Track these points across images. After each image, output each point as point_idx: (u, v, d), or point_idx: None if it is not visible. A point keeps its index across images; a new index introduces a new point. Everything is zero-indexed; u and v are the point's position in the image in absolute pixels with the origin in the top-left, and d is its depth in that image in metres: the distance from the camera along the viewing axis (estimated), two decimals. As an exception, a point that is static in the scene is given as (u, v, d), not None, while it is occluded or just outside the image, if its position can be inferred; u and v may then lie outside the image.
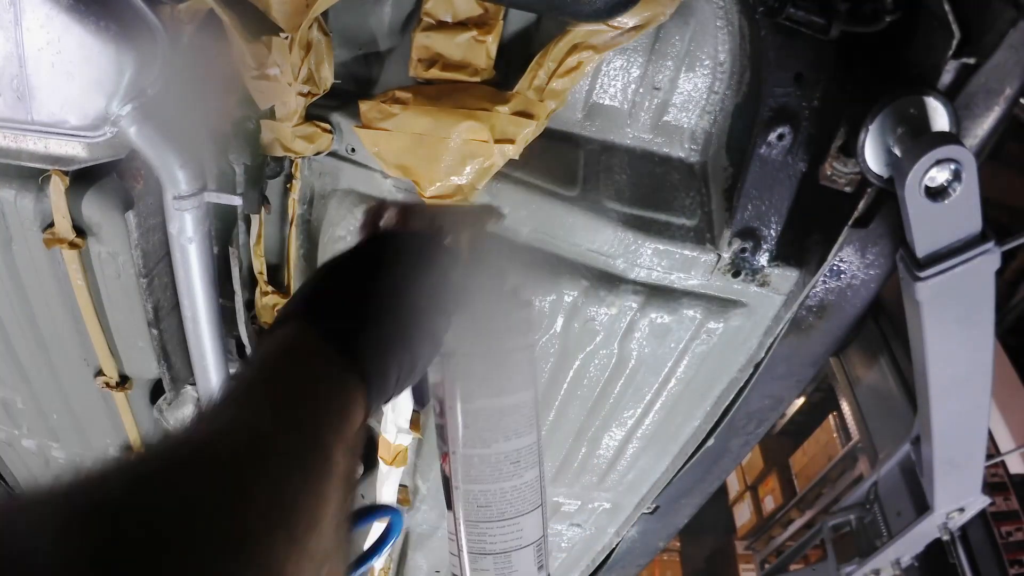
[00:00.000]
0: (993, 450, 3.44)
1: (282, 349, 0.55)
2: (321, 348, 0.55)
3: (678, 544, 6.61)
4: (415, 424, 1.50)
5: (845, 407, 4.89)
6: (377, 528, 0.93)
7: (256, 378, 0.53)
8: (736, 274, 1.19)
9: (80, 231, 1.29)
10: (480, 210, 0.90)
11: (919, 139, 0.88)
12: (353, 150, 1.20)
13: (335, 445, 0.50)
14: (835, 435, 5.54)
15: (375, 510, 0.83)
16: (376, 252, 0.67)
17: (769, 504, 6.41)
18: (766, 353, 1.34)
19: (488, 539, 0.87)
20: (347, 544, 0.52)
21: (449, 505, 0.89)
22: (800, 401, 6.18)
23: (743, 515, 6.73)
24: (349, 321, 0.57)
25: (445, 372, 0.83)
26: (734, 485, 6.92)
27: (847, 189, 1.05)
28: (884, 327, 3.58)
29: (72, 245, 1.29)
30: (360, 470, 1.79)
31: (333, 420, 0.52)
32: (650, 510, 1.84)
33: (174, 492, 0.41)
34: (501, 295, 0.85)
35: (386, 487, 1.60)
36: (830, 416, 5.66)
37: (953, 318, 1.08)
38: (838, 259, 1.19)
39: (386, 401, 0.61)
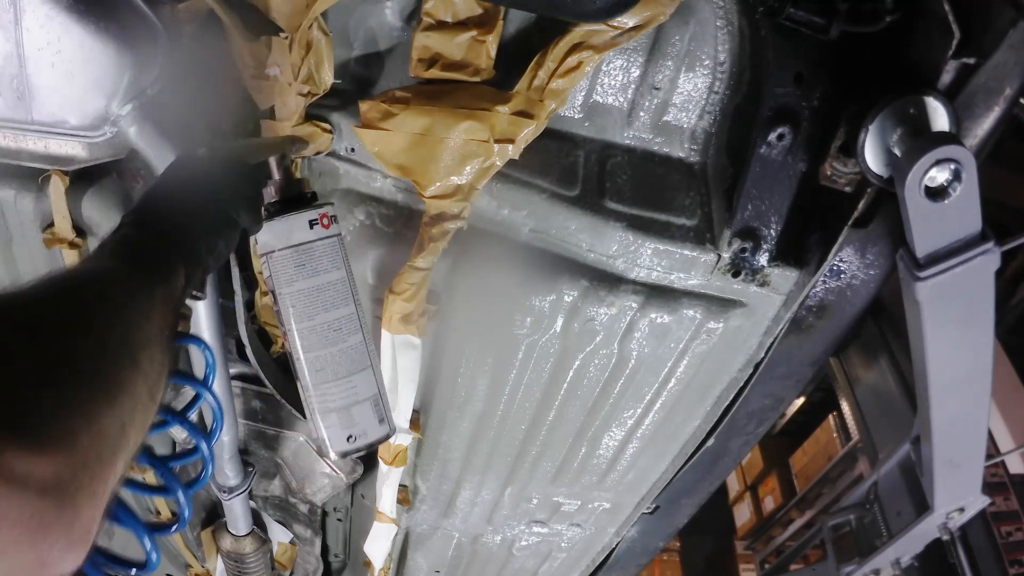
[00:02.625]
0: (993, 450, 3.44)
1: (122, 242, 0.75)
2: (151, 240, 0.76)
3: (678, 544, 6.61)
4: (415, 424, 1.50)
5: (845, 407, 4.89)
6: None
7: (113, 250, 0.74)
8: (736, 274, 1.19)
9: (80, 231, 1.29)
10: (278, 142, 1.11)
11: (919, 139, 0.88)
12: (353, 150, 1.20)
13: (157, 292, 0.71)
14: (835, 435, 5.54)
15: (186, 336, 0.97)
16: (186, 173, 0.87)
17: (769, 504, 6.40)
18: (766, 353, 1.34)
19: (329, 398, 1.04)
20: (170, 359, 0.71)
21: (296, 377, 1.07)
22: (800, 401, 6.18)
23: (743, 515, 6.72)
24: (167, 223, 0.80)
25: (270, 268, 1.01)
26: (734, 485, 6.91)
27: (847, 189, 1.05)
28: (884, 327, 3.57)
29: (72, 245, 1.28)
30: (360, 470, 1.79)
31: (159, 277, 0.73)
32: (650, 510, 1.84)
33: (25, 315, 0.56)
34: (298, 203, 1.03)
35: (386, 487, 1.60)
36: (830, 416, 5.66)
37: (953, 318, 1.08)
38: (838, 259, 1.19)
39: (203, 269, 0.83)
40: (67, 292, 0.62)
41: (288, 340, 1.04)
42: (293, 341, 1.03)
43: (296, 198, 1.03)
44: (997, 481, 3.68)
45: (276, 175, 1.03)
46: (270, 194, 1.03)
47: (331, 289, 1.01)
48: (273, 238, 1.00)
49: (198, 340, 0.89)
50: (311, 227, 0.99)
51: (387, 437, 1.08)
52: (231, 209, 0.87)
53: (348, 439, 1.05)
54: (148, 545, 0.82)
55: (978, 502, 1.95)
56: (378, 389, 1.07)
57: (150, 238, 0.76)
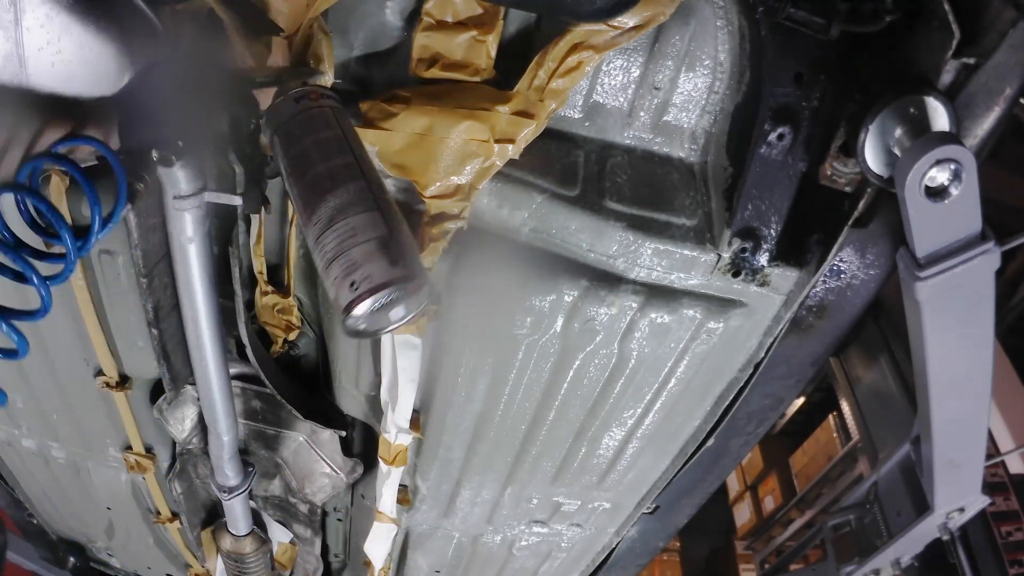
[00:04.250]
0: (993, 450, 3.44)
1: None
2: None
3: (678, 544, 6.61)
4: (415, 424, 1.50)
5: (845, 407, 4.89)
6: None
7: None
8: (736, 274, 1.19)
9: (80, 230, 1.29)
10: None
11: (919, 139, 0.88)
12: (353, 150, 1.20)
13: None
14: (835, 435, 5.54)
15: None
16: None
17: (769, 504, 6.40)
18: (766, 353, 1.34)
19: (327, 247, 0.93)
20: None
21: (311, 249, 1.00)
22: (800, 401, 6.18)
23: (743, 515, 6.73)
24: None
25: (271, 143, 1.01)
26: (734, 485, 6.91)
27: (847, 189, 1.05)
28: (884, 327, 3.58)
29: (72, 245, 1.28)
30: (360, 470, 1.79)
31: None
32: (650, 510, 1.84)
33: None
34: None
35: (386, 487, 1.60)
36: (830, 416, 5.66)
37: (953, 318, 1.08)
38: (838, 259, 1.19)
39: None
40: None
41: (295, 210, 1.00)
42: (295, 206, 0.99)
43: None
44: (997, 481, 3.69)
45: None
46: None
47: (324, 145, 0.98)
48: (271, 120, 1.02)
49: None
50: (297, 102, 1.00)
51: (404, 281, 0.90)
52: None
53: (352, 287, 0.90)
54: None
55: (978, 502, 1.95)
56: (388, 231, 0.93)
57: None
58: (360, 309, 0.89)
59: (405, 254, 0.92)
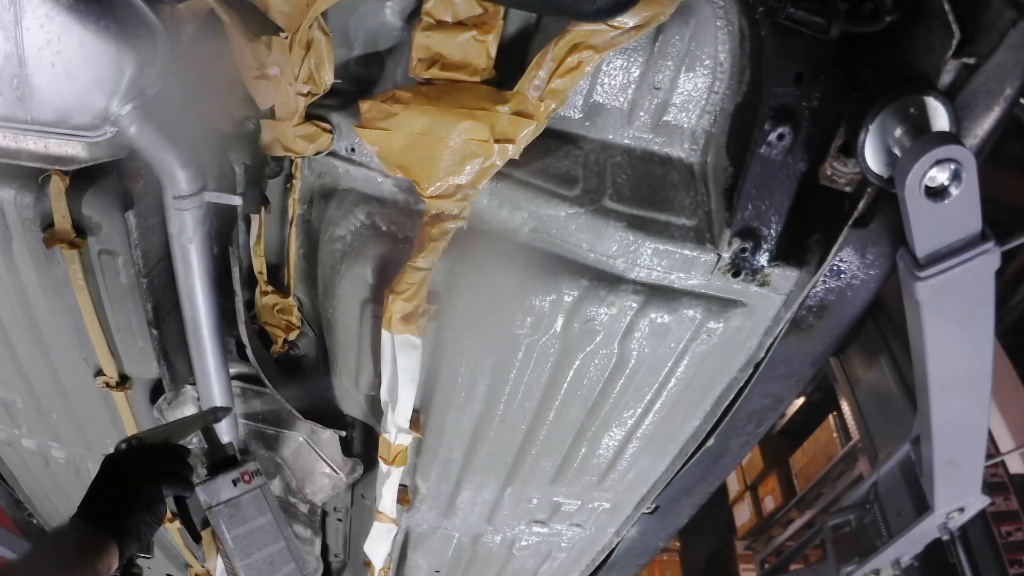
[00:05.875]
0: (993, 450, 3.44)
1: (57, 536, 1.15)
2: (80, 525, 1.12)
3: (678, 544, 6.60)
4: (415, 424, 1.50)
5: (845, 407, 4.89)
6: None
7: (51, 543, 1.14)
8: (736, 274, 1.19)
9: (80, 231, 1.29)
10: (197, 419, 1.39)
11: (919, 139, 0.88)
12: (353, 150, 1.20)
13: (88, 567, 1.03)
14: (835, 435, 5.53)
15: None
16: (116, 468, 1.21)
17: (769, 504, 6.40)
18: (766, 353, 1.34)
19: None
20: None
21: None
22: (800, 401, 6.17)
23: (743, 515, 6.72)
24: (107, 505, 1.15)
25: (212, 520, 1.33)
26: (734, 485, 6.90)
27: (847, 189, 1.05)
28: (884, 327, 3.58)
29: (72, 245, 1.29)
30: (360, 470, 1.79)
31: (89, 557, 1.06)
32: (650, 510, 1.84)
33: None
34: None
35: (386, 487, 1.60)
36: (830, 416, 5.65)
37: (953, 318, 1.08)
38: (838, 259, 1.19)
39: (141, 536, 1.14)
40: None
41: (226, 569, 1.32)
42: (229, 570, 1.32)
43: (223, 461, 1.37)
44: (997, 481, 3.68)
45: (205, 444, 1.37)
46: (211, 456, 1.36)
47: (261, 532, 1.33)
48: (208, 497, 1.31)
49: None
50: (235, 485, 1.30)
51: None
52: (156, 488, 1.16)
53: None
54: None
55: (978, 502, 1.95)
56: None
57: (85, 528, 1.09)
58: None
59: None
